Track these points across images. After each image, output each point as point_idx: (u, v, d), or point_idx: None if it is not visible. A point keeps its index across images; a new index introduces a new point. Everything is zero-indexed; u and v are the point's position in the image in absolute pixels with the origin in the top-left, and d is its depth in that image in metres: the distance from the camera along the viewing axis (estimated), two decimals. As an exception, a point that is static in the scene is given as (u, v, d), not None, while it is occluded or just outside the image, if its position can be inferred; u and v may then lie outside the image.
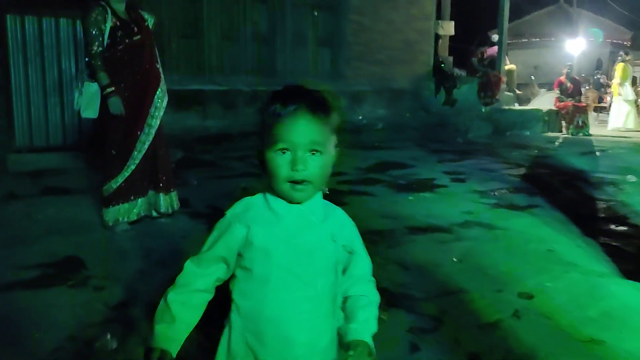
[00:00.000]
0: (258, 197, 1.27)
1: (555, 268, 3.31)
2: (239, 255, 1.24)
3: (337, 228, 1.30)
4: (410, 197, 5.03)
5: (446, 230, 4.02)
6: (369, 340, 1.25)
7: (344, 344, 1.25)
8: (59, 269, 3.15)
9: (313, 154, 1.19)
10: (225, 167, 6.44)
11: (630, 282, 3.08)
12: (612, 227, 4.25)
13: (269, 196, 1.25)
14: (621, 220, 4.40)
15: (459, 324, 2.57)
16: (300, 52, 9.34)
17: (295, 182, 1.19)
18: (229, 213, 1.26)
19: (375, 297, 1.33)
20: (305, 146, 1.17)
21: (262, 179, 1.27)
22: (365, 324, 1.27)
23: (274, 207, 1.24)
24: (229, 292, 1.28)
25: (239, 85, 8.31)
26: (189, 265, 1.27)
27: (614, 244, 3.78)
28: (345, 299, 1.32)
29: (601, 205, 4.96)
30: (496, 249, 3.64)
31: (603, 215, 4.60)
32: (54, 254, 3.37)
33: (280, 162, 1.18)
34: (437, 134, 9.34)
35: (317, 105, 1.19)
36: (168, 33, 7.84)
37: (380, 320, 1.33)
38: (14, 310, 2.61)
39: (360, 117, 9.39)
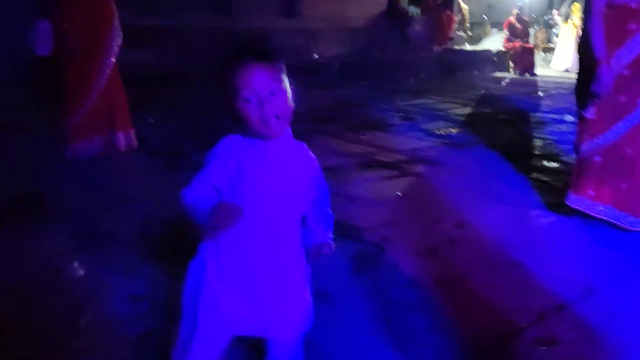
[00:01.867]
0: (237, 138, 1.45)
1: (489, 201, 3.63)
2: (230, 185, 1.42)
3: (306, 159, 1.53)
4: (362, 136, 5.26)
5: (393, 166, 4.29)
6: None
7: (312, 246, 1.51)
8: (23, 205, 3.27)
9: (272, 94, 1.37)
10: (181, 104, 6.49)
11: (553, 213, 3.42)
12: (545, 163, 4.60)
13: (247, 137, 1.44)
14: (553, 157, 4.75)
15: (399, 250, 2.86)
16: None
17: (266, 120, 1.37)
18: (220, 144, 1.44)
19: (331, 215, 1.59)
20: (265, 89, 1.36)
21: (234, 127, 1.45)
22: (327, 229, 1.55)
23: (253, 144, 1.43)
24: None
25: (194, 21, 8.20)
26: (184, 193, 1.43)
27: (543, 179, 4.13)
28: (306, 216, 1.55)
29: (537, 143, 5.31)
30: (437, 184, 3.93)
31: (538, 152, 4.95)
32: (16, 190, 3.47)
33: (248, 107, 1.37)
34: (391, 73, 9.51)
35: (263, 55, 1.39)
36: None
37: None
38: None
39: (317, 56, 9.45)
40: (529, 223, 3.29)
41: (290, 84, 1.44)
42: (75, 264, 2.54)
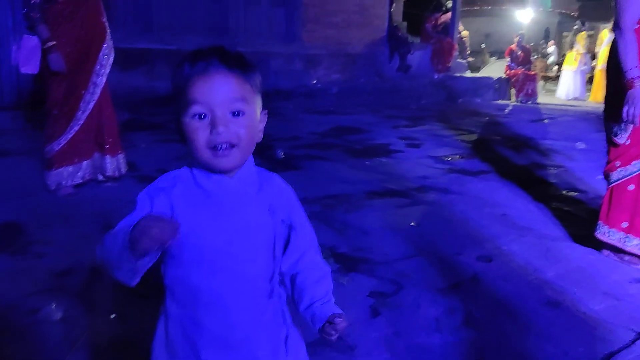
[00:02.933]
0: (184, 172, 1.13)
1: (511, 232, 3.34)
2: None
3: (275, 198, 1.16)
4: (366, 162, 4.98)
5: (403, 194, 4.00)
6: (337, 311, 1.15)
7: (317, 323, 1.14)
8: (-2, 235, 2.95)
9: (235, 115, 1.05)
10: (173, 129, 6.19)
11: (582, 246, 3.12)
12: (563, 192, 4.32)
13: (195, 170, 1.10)
14: (571, 186, 4.48)
15: (418, 287, 2.55)
16: (254, 11, 9.06)
17: (216, 147, 1.04)
18: (152, 187, 1.11)
19: (326, 268, 1.22)
20: (225, 105, 1.04)
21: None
22: (327, 297, 1.17)
23: (200, 182, 1.10)
24: (161, 276, 1.15)
25: (189, 44, 7.94)
26: (102, 241, 1.08)
27: (565, 209, 3.84)
28: (293, 276, 1.20)
29: (551, 171, 5.05)
30: (452, 214, 3.64)
31: (554, 180, 4.67)
32: (-9, 218, 3.16)
33: (197, 126, 1.04)
34: (391, 99, 9.30)
35: (232, 60, 1.06)
36: (113, -12, 7.41)
37: (339, 285, 1.28)
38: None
39: (315, 81, 9.24)
40: (559, 257, 2.99)
41: (263, 108, 1.13)
42: (53, 306, 2.20)
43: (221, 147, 1.04)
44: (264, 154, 4.87)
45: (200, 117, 1.03)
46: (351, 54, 10.16)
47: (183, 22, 8.23)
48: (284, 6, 9.51)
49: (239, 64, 1.06)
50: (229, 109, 1.04)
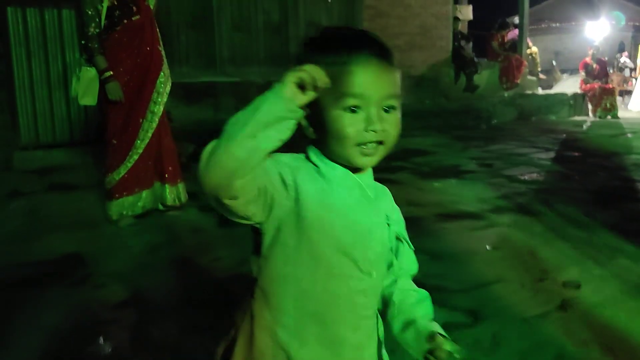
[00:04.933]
0: (302, 158, 0.99)
1: (600, 254, 2.98)
2: (278, 224, 0.94)
3: (390, 209, 1.04)
4: (436, 184, 4.70)
5: (477, 216, 3.70)
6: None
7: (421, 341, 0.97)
8: (58, 267, 2.90)
9: (387, 110, 0.95)
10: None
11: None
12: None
13: (318, 158, 0.97)
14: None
15: (499, 318, 2.26)
16: (314, 40, 9.05)
17: (365, 144, 0.94)
18: (276, 160, 0.93)
19: (426, 293, 1.08)
20: (381, 101, 0.94)
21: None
22: (429, 319, 1.02)
23: (325, 172, 0.97)
24: (251, 277, 1.00)
25: (251, 76, 8.03)
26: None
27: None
28: (390, 294, 1.06)
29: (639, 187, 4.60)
30: (532, 235, 3.31)
31: (645, 197, 4.24)
32: (54, 251, 3.13)
33: (350, 122, 0.93)
34: (459, 120, 8.96)
35: (387, 52, 0.97)
36: (177, 24, 7.59)
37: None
38: (6, 310, 2.36)
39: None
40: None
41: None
42: (101, 341, 2.08)
43: (371, 146, 0.95)
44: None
45: (354, 110, 0.93)
46: (415, 77, 9.94)
47: (245, 55, 8.31)
48: (345, 32, 9.45)
49: (391, 56, 0.97)
50: (384, 105, 0.95)
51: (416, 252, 2.85)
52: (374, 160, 0.97)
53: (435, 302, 2.39)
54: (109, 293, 2.55)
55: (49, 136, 5.91)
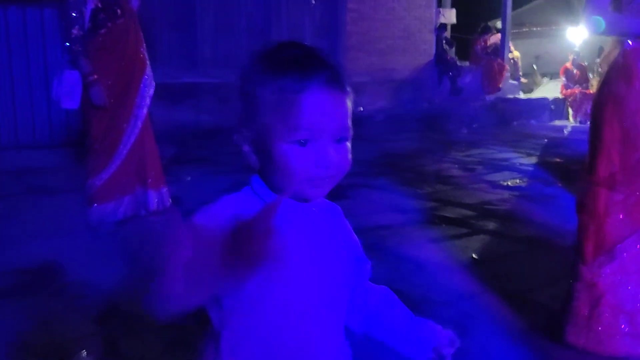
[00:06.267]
0: (246, 195, 0.92)
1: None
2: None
3: (343, 229, 0.99)
4: (418, 190, 4.70)
5: (460, 223, 3.71)
6: None
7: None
8: (35, 276, 2.83)
9: (339, 142, 0.88)
10: (220, 162, 6.10)
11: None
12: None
13: (264, 193, 0.91)
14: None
15: (486, 331, 2.26)
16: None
17: (319, 178, 0.87)
18: (212, 213, 0.88)
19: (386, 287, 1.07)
20: (334, 133, 0.86)
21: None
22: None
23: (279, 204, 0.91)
24: (210, 326, 0.94)
25: (233, 77, 7.95)
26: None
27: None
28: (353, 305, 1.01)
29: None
30: (518, 244, 3.32)
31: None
32: (31, 258, 3.04)
33: (299, 156, 0.85)
34: (441, 124, 9.00)
35: (340, 77, 0.88)
36: (159, 25, 7.51)
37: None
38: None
39: (360, 109, 9.05)
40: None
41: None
42: (83, 354, 2.03)
43: (324, 180, 0.88)
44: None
45: (302, 143, 0.85)
46: (397, 80, 9.97)
47: (227, 56, 8.24)
48: (327, 36, 9.44)
49: (344, 80, 0.89)
50: (336, 136, 0.87)
51: (398, 260, 2.82)
52: (323, 192, 0.91)
53: (420, 313, 2.37)
54: (87, 305, 2.49)
55: (29, 137, 5.79)
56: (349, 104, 0.90)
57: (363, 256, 1.02)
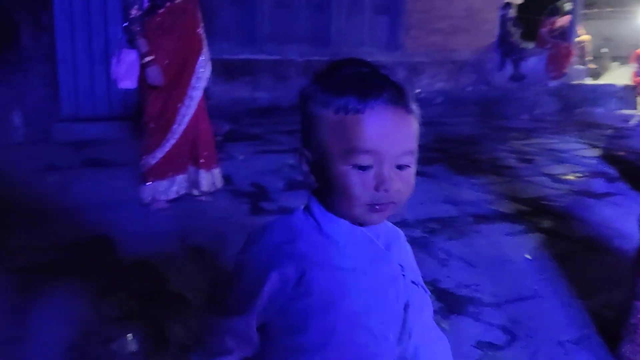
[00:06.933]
0: (301, 218, 0.89)
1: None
2: (279, 309, 0.85)
3: (403, 256, 0.94)
4: (473, 180, 4.56)
5: (515, 219, 3.57)
6: None
7: None
8: (86, 251, 2.91)
9: (401, 167, 0.83)
10: (272, 141, 6.12)
11: None
12: None
13: (319, 214, 0.87)
14: None
15: (535, 338, 2.17)
16: (356, 19, 8.85)
17: (380, 204, 0.83)
18: (268, 249, 0.85)
19: (443, 335, 1.01)
20: (396, 157, 0.82)
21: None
22: None
23: (329, 232, 0.86)
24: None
25: (291, 54, 7.94)
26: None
27: None
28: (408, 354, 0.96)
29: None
30: (576, 244, 3.18)
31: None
32: (83, 233, 3.13)
33: (359, 181, 0.81)
34: (500, 109, 8.72)
35: (405, 96, 0.83)
36: (219, 0, 7.51)
37: (441, 331, 1.01)
38: (29, 298, 2.37)
39: (419, 90, 8.86)
40: None
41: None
42: (128, 337, 2.07)
43: (385, 207, 0.84)
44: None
45: (363, 167, 0.81)
46: (457, 61, 9.66)
47: (285, 32, 8.19)
48: (388, 13, 9.22)
49: (410, 100, 0.84)
50: (399, 160, 0.83)
51: (449, 258, 2.75)
52: (383, 218, 0.87)
53: (468, 315, 2.31)
54: (133, 283, 2.54)
55: (89, 110, 5.95)
56: (415, 124, 0.85)
57: (422, 286, 0.97)
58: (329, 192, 0.85)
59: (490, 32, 10.19)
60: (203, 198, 3.75)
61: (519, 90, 9.44)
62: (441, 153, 5.66)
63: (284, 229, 0.88)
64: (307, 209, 0.89)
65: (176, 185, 3.64)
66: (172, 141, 3.56)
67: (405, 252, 0.96)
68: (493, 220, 3.54)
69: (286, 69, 7.94)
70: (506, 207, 3.81)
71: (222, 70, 6.93)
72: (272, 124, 6.93)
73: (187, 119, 3.57)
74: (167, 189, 3.61)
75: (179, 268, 2.69)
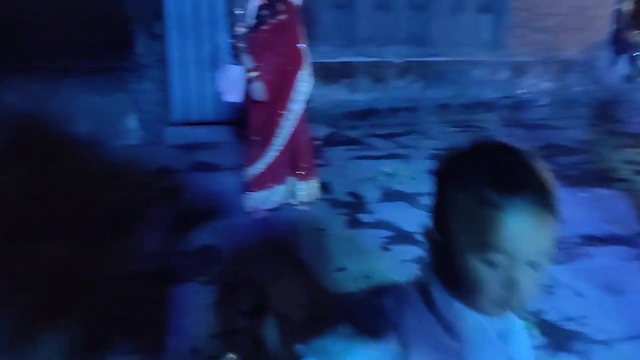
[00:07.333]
0: (414, 294, 0.87)
1: None
2: None
3: (517, 349, 0.90)
4: (582, 194, 4.32)
5: (632, 242, 3.35)
6: None
7: None
8: (195, 259, 3.07)
9: (533, 265, 0.79)
10: (370, 145, 6.14)
11: None
12: None
13: (438, 296, 0.85)
14: None
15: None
16: (458, 18, 8.63)
17: (509, 302, 0.80)
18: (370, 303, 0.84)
19: None
20: (530, 257, 0.78)
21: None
22: None
23: (448, 316, 0.84)
24: None
25: (390, 56, 7.89)
26: None
27: None
28: None
29: None
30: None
31: None
32: (192, 240, 3.32)
33: (488, 277, 0.79)
34: (613, 112, 8.18)
35: (550, 195, 0.79)
36: (320, 3, 7.60)
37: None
38: (142, 305, 2.54)
39: (523, 91, 8.52)
40: None
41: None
42: (231, 356, 2.16)
43: (514, 304, 0.81)
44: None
45: (493, 263, 0.78)
46: (564, 60, 9.16)
47: (385, 34, 8.14)
48: (491, 11, 8.90)
49: (552, 200, 0.79)
50: (531, 261, 0.79)
51: (555, 284, 2.62)
52: (506, 311, 0.83)
53: (575, 353, 2.21)
54: (239, 296, 2.64)
55: (197, 114, 6.25)
56: (555, 224, 0.80)
57: None
58: (451, 277, 0.83)
59: (601, 29, 9.57)
60: (301, 208, 3.84)
61: (634, 91, 8.80)
62: (548, 161, 5.38)
63: (390, 292, 0.87)
64: (422, 284, 0.87)
65: (276, 195, 3.76)
66: (273, 153, 3.67)
67: (525, 344, 0.93)
68: (605, 242, 3.34)
69: (384, 71, 7.91)
70: (621, 227, 3.58)
71: (321, 73, 7.02)
72: (369, 127, 6.95)
73: (287, 131, 3.66)
74: (267, 199, 3.73)
75: (280, 284, 2.77)
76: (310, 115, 3.97)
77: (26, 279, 2.69)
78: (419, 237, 3.34)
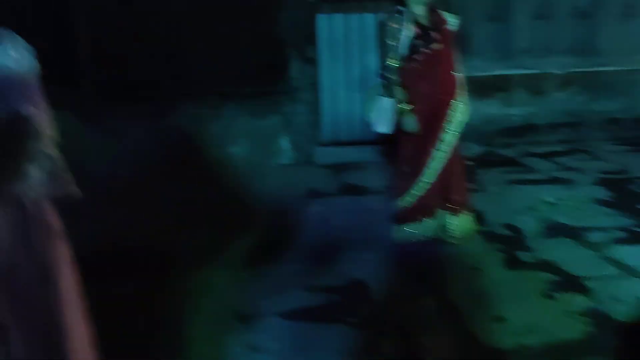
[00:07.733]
0: None
1: None
2: None
3: None
4: None
5: None
6: None
7: None
8: (343, 296, 3.06)
9: None
10: (527, 167, 5.74)
11: None
12: None
13: None
14: None
15: None
16: (629, 26, 7.81)
17: None
18: None
19: None
20: None
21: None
22: None
23: None
24: None
25: (550, 67, 7.36)
26: None
27: None
28: None
29: None
30: None
31: None
32: (342, 273, 3.32)
33: None
34: None
35: None
36: (474, 16, 7.32)
37: None
38: (288, 347, 2.57)
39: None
40: None
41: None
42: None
43: None
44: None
45: None
46: None
47: (545, 45, 7.62)
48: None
49: None
50: None
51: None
52: None
53: None
54: (387, 343, 2.57)
55: (346, 134, 6.33)
56: None
57: None
58: None
59: None
60: (451, 242, 3.67)
61: None
62: None
63: None
64: None
65: (424, 229, 3.63)
66: (423, 185, 3.56)
67: None
68: None
69: (543, 83, 7.42)
70: None
71: (474, 87, 6.75)
72: (525, 145, 6.54)
73: (438, 162, 3.53)
74: (417, 232, 3.62)
75: (431, 331, 2.66)
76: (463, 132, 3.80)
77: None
78: (588, 284, 3.04)
